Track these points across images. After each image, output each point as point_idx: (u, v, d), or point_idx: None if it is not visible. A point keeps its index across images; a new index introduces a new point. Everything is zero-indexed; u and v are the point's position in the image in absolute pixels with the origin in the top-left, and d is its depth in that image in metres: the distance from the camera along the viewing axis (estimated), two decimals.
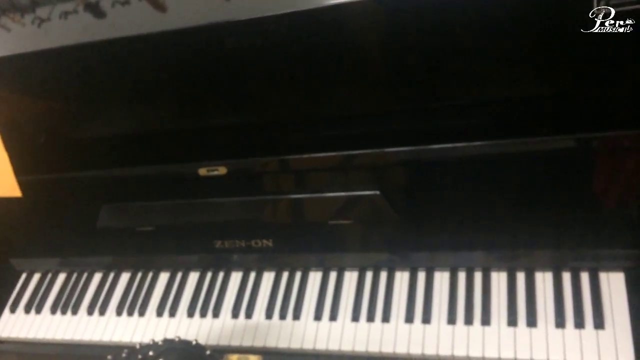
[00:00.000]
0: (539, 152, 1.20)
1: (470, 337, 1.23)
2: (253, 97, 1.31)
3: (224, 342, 1.36)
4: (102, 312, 1.51)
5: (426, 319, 1.27)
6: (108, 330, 1.47)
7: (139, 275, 1.56)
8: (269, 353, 1.33)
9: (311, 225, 1.39)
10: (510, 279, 1.28)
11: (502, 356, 1.19)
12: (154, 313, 1.47)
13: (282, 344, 1.32)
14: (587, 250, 1.23)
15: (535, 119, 1.19)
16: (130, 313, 1.49)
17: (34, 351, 1.53)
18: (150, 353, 1.01)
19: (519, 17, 1.10)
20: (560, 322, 1.19)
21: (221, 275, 1.49)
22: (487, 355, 1.20)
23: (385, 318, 1.30)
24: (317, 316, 1.34)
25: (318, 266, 1.42)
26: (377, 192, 1.30)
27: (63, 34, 1.34)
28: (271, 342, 1.33)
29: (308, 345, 1.31)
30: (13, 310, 1.59)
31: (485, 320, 1.24)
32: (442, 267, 1.34)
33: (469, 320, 1.25)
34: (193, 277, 1.51)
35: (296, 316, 1.36)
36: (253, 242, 1.43)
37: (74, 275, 1.61)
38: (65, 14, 1.35)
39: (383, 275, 1.37)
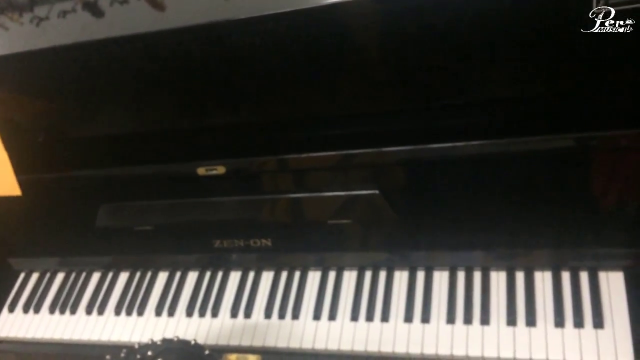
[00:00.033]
0: (538, 151, 1.20)
1: (470, 336, 1.23)
2: (252, 97, 1.31)
3: (222, 341, 1.36)
4: (100, 311, 1.51)
5: (425, 319, 1.27)
6: (106, 330, 1.47)
7: (138, 274, 1.55)
8: (267, 353, 1.32)
9: (310, 224, 1.39)
10: (510, 278, 1.28)
11: (502, 356, 1.19)
12: (153, 312, 1.47)
13: (281, 344, 1.32)
14: (586, 249, 1.24)
15: (534, 119, 1.19)
16: (128, 313, 1.49)
17: (32, 351, 1.53)
18: (149, 353, 1.01)
19: (518, 16, 1.10)
20: (559, 322, 1.19)
21: (220, 274, 1.48)
22: (486, 354, 1.20)
23: (384, 317, 1.30)
24: (316, 316, 1.34)
25: (317, 266, 1.42)
26: (376, 192, 1.30)
27: (61, 33, 1.34)
28: (270, 342, 1.33)
29: (307, 345, 1.31)
30: (11, 309, 1.59)
31: (485, 320, 1.24)
32: (441, 267, 1.34)
33: (468, 320, 1.25)
34: (192, 276, 1.51)
35: (295, 316, 1.36)
36: (252, 242, 1.43)
37: (73, 275, 1.61)
38: (63, 13, 1.35)
39: (382, 275, 1.37)
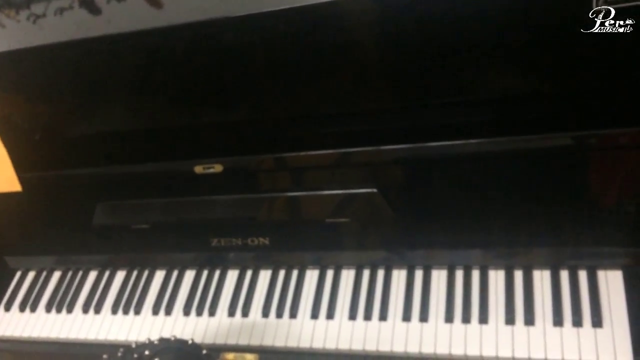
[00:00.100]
0: (536, 149, 1.19)
1: (468, 335, 1.23)
2: (249, 94, 1.31)
3: (220, 340, 1.36)
4: (97, 310, 1.50)
5: (423, 318, 1.27)
6: (103, 329, 1.46)
7: (135, 273, 1.55)
8: (265, 352, 1.32)
9: (308, 223, 1.38)
10: (508, 277, 1.28)
11: (500, 355, 1.19)
12: (150, 311, 1.46)
13: (279, 343, 1.32)
14: (585, 248, 1.23)
15: (533, 117, 1.19)
16: (125, 311, 1.48)
17: (28, 350, 1.52)
18: (146, 352, 1.01)
19: (518, 14, 1.09)
20: (558, 321, 1.19)
21: (217, 273, 1.48)
22: (484, 354, 1.20)
23: (383, 316, 1.29)
24: (314, 315, 1.34)
25: (315, 264, 1.42)
26: (374, 190, 1.30)
27: (58, 31, 1.33)
28: (268, 341, 1.32)
29: (305, 344, 1.30)
30: (7, 308, 1.58)
31: (483, 319, 1.23)
32: (439, 265, 1.34)
33: (466, 319, 1.24)
34: (189, 275, 1.50)
35: (293, 314, 1.35)
36: (249, 240, 1.42)
37: (69, 274, 1.61)
38: (60, 10, 1.34)
39: (380, 274, 1.36)
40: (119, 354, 1.03)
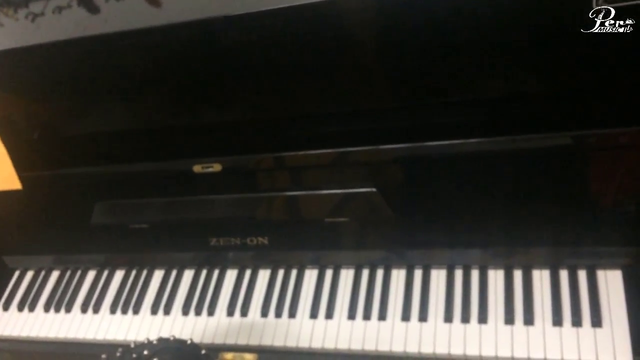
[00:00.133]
0: (536, 149, 1.19)
1: (467, 335, 1.22)
2: (248, 94, 1.31)
3: (219, 340, 1.35)
4: (96, 310, 1.50)
5: (423, 317, 1.27)
6: (102, 329, 1.46)
7: (133, 272, 1.55)
8: (264, 351, 1.32)
9: (307, 222, 1.38)
10: (508, 276, 1.28)
11: (499, 354, 1.18)
12: (149, 311, 1.46)
13: (278, 342, 1.32)
14: (584, 247, 1.23)
15: (532, 116, 1.19)
16: (124, 311, 1.48)
17: (27, 349, 1.52)
18: (145, 352, 1.01)
19: (517, 14, 1.09)
20: (557, 320, 1.19)
21: (216, 273, 1.48)
22: (484, 353, 1.19)
23: (382, 316, 1.29)
24: (313, 314, 1.34)
25: (314, 264, 1.42)
26: (374, 189, 1.29)
27: (57, 29, 1.33)
28: (267, 341, 1.32)
29: (304, 344, 1.30)
30: (6, 308, 1.58)
31: (482, 319, 1.23)
32: (438, 265, 1.33)
33: (465, 319, 1.24)
34: (188, 274, 1.50)
35: (292, 314, 1.35)
36: (248, 240, 1.42)
37: (68, 273, 1.60)
38: (59, 9, 1.34)
39: (379, 273, 1.36)
40: (118, 354, 1.02)
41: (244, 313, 1.38)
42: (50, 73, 1.36)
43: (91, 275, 1.58)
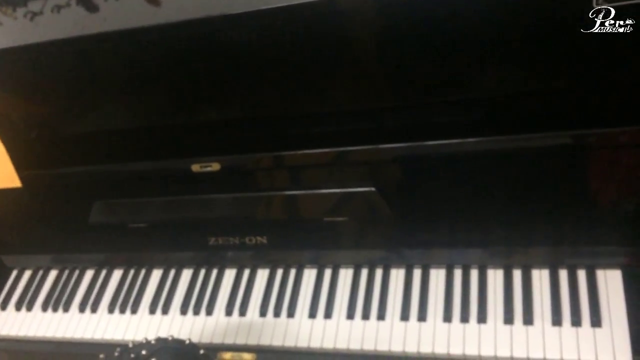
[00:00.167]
0: (535, 148, 1.19)
1: (467, 335, 1.22)
2: (247, 93, 1.30)
3: (217, 339, 1.35)
4: (94, 309, 1.50)
5: (422, 317, 1.26)
6: (100, 328, 1.46)
7: (132, 272, 1.54)
8: (263, 351, 1.32)
9: (305, 222, 1.38)
10: (507, 276, 1.28)
11: (499, 354, 1.18)
12: (147, 310, 1.46)
13: (276, 342, 1.31)
14: (584, 247, 1.23)
15: (532, 116, 1.18)
16: (122, 310, 1.47)
17: (25, 349, 1.52)
18: (143, 352, 1.01)
19: (517, 13, 1.09)
20: (557, 320, 1.19)
21: (215, 272, 1.48)
22: (483, 353, 1.19)
23: (381, 316, 1.29)
24: (312, 314, 1.33)
25: (313, 263, 1.42)
26: (372, 189, 1.29)
27: (55, 28, 1.32)
28: (265, 340, 1.32)
29: (302, 344, 1.30)
30: (4, 307, 1.58)
31: (482, 318, 1.23)
32: (438, 265, 1.33)
33: (465, 318, 1.24)
34: (186, 274, 1.50)
35: (290, 314, 1.35)
36: (247, 239, 1.42)
37: (66, 272, 1.60)
38: (57, 8, 1.33)
39: (378, 273, 1.36)
40: (116, 354, 1.02)
41: (242, 313, 1.38)
42: (49, 72, 1.35)
43: (89, 274, 1.58)
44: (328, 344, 1.29)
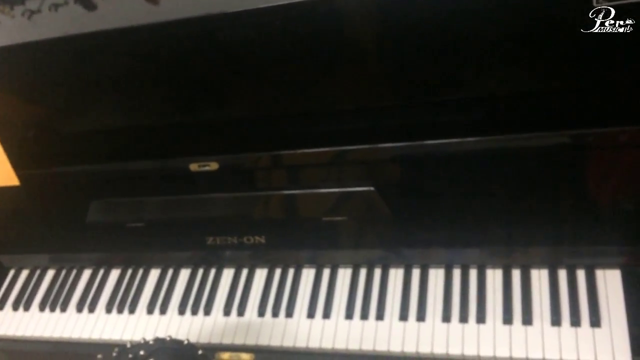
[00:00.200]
0: (534, 148, 1.19)
1: (465, 335, 1.22)
2: (245, 92, 1.30)
3: (215, 340, 1.35)
4: (91, 309, 1.49)
5: (421, 317, 1.26)
6: (97, 328, 1.45)
7: (129, 272, 1.54)
8: (261, 351, 1.31)
9: (304, 221, 1.38)
10: (506, 276, 1.27)
11: (498, 354, 1.18)
12: (145, 310, 1.45)
13: (275, 342, 1.31)
14: (583, 247, 1.23)
15: (531, 115, 1.18)
16: (120, 310, 1.47)
17: (22, 349, 1.51)
18: (141, 352, 1.00)
19: (517, 13, 1.09)
20: (556, 320, 1.19)
21: (213, 272, 1.47)
22: (482, 353, 1.19)
23: (379, 316, 1.29)
24: (310, 314, 1.33)
25: (311, 263, 1.41)
26: (371, 188, 1.29)
27: (53, 27, 1.32)
28: (263, 340, 1.32)
29: (301, 344, 1.30)
30: (1, 307, 1.57)
31: (481, 318, 1.23)
32: (436, 265, 1.33)
33: (464, 318, 1.24)
34: (184, 274, 1.50)
35: (289, 314, 1.35)
36: (245, 239, 1.41)
37: (63, 272, 1.59)
38: (55, 6, 1.33)
39: (377, 273, 1.36)
40: (114, 354, 1.02)
41: (240, 312, 1.38)
42: (46, 70, 1.35)
43: (87, 274, 1.57)
44: (326, 344, 1.28)
